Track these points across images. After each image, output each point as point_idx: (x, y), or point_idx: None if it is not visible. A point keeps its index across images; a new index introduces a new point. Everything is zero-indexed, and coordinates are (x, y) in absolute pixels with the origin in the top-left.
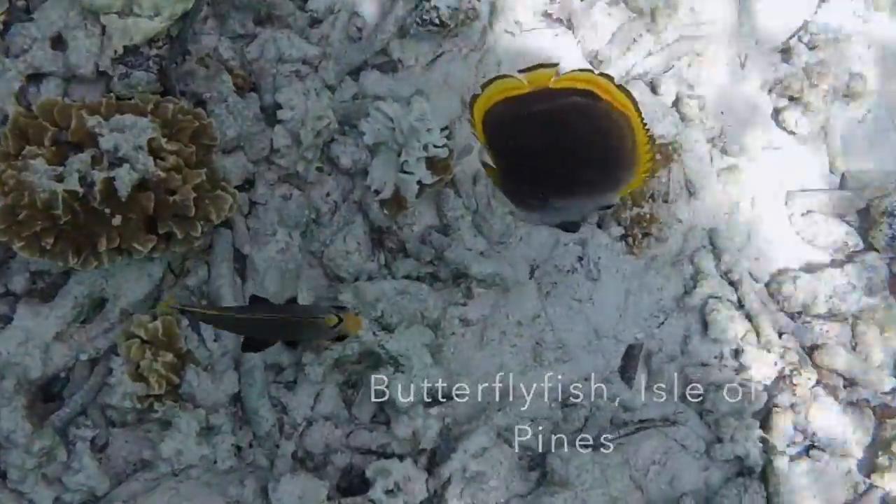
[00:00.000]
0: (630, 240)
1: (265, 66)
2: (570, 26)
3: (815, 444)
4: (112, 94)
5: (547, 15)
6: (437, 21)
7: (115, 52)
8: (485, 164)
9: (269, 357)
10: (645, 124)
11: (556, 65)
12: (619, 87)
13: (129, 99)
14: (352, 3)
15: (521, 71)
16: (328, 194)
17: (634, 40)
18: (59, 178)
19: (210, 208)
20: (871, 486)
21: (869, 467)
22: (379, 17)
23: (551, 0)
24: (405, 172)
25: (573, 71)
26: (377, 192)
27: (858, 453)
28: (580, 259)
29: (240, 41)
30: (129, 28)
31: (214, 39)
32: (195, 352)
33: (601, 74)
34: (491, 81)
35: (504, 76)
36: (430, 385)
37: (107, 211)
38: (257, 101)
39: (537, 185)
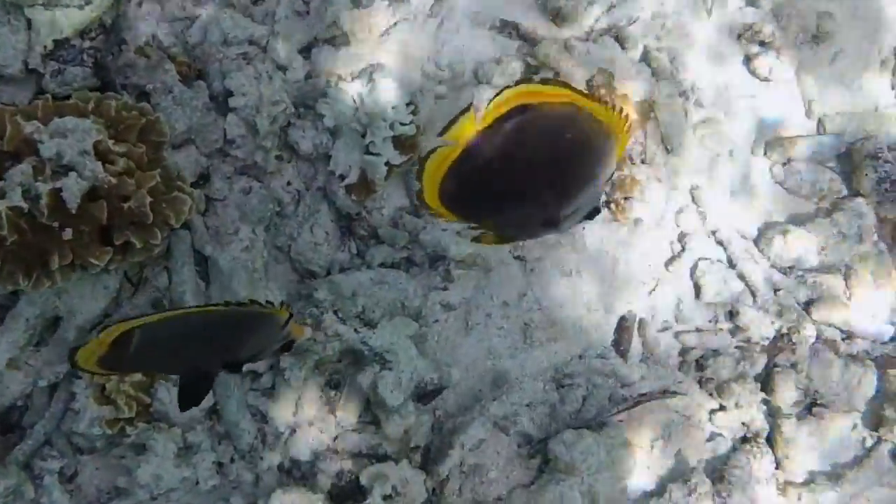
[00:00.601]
0: (613, 206)
1: (210, 51)
2: None
3: (818, 401)
4: (46, 94)
5: None
6: None
7: (45, 47)
8: (477, 240)
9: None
10: (602, 101)
11: (469, 107)
12: (546, 81)
13: (67, 98)
14: None
15: (440, 135)
16: (289, 183)
17: None
18: (0, 195)
19: (168, 212)
20: (880, 440)
21: (875, 421)
22: None
23: None
24: (371, 154)
25: (493, 99)
26: (342, 178)
27: (862, 407)
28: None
29: (179, 25)
30: (58, 20)
31: (152, 25)
32: None
33: (519, 82)
34: (422, 165)
35: (431, 151)
36: (418, 379)
37: (56, 225)
38: (205, 90)
39: (542, 214)
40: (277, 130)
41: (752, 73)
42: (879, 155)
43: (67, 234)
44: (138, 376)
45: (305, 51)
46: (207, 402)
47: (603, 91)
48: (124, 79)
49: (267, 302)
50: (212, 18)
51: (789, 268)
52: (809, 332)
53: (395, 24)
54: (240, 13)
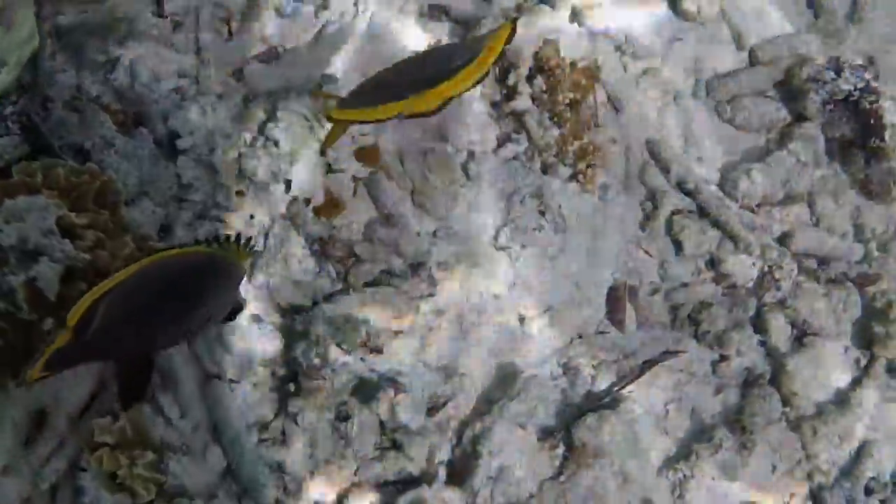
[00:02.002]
0: (580, 176)
1: (143, 92)
2: None
3: (808, 331)
4: None
5: None
6: None
7: None
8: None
9: (251, 415)
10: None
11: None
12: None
13: (8, 177)
14: None
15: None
16: (252, 217)
17: None
18: None
19: None
20: (874, 357)
21: (864, 340)
22: (244, 3)
23: None
24: (335, 171)
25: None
26: (307, 201)
27: (849, 329)
28: (542, 213)
29: (102, 70)
30: None
31: (74, 76)
32: (165, 435)
33: None
34: None
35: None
36: (430, 394)
37: (36, 318)
38: (148, 136)
39: None
40: (234, 164)
41: (681, 14)
42: (819, 77)
43: (48, 323)
44: (150, 456)
45: (238, 73)
46: (220, 463)
47: (553, 63)
48: (59, 139)
49: (225, 238)
50: (135, 57)
51: (758, 205)
52: (790, 265)
53: (324, 26)
54: (162, 45)
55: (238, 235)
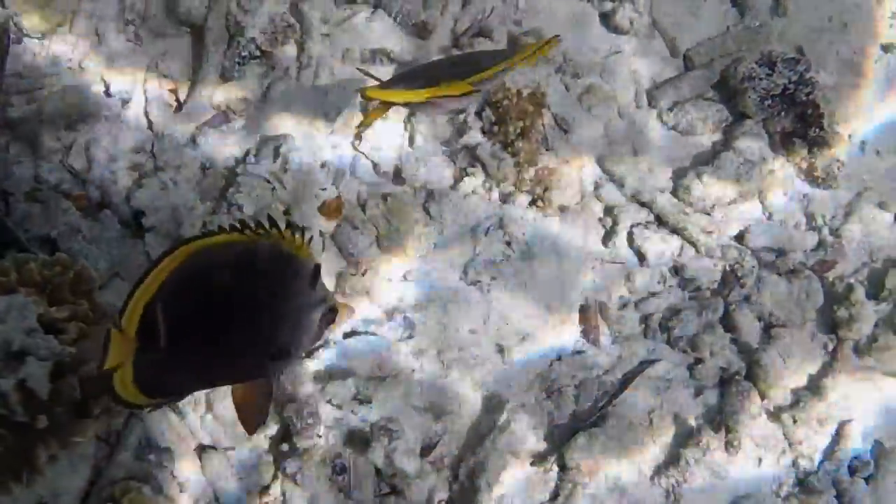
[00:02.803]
0: (539, 202)
1: (101, 174)
2: (378, 4)
3: (775, 323)
4: None
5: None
6: (257, 52)
7: None
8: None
9: (250, 484)
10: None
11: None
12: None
13: None
14: (157, 65)
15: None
16: None
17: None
18: None
19: None
20: (840, 340)
21: (829, 325)
22: (190, 72)
23: None
24: (300, 228)
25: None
26: None
27: (814, 316)
28: (508, 243)
29: (57, 156)
30: None
31: (31, 166)
32: None
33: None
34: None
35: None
36: (423, 435)
37: (31, 419)
38: (113, 217)
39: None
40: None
41: (614, 29)
42: (753, 75)
43: (43, 421)
44: None
45: (192, 142)
46: None
47: (499, 95)
48: (25, 233)
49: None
50: (89, 139)
51: (712, 207)
52: (750, 262)
53: (270, 84)
54: (114, 124)
55: (289, 223)
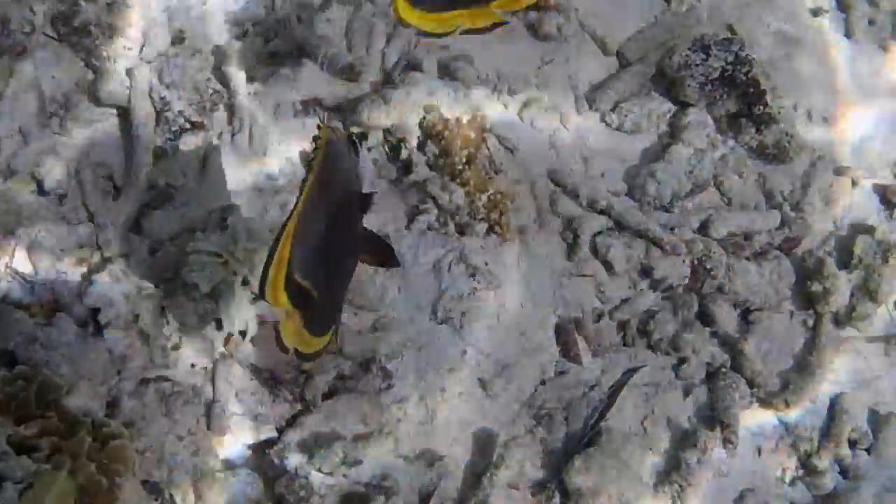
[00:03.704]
0: (496, 227)
1: (48, 277)
2: (302, 53)
3: (751, 308)
4: None
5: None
6: (188, 124)
7: None
8: None
9: None
10: None
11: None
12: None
13: None
14: (89, 154)
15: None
16: (193, 365)
17: (372, 36)
18: None
19: (117, 466)
20: (818, 315)
21: (804, 302)
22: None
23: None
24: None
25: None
26: (243, 334)
27: (788, 294)
28: (472, 275)
29: (2, 262)
30: None
31: None
32: None
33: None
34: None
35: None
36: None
37: None
38: (69, 319)
39: None
40: (160, 321)
41: (543, 38)
42: (690, 62)
43: None
44: None
45: (136, 226)
46: None
47: (440, 127)
48: None
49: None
50: (31, 242)
51: (670, 203)
52: (717, 252)
53: (207, 155)
54: (51, 221)
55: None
